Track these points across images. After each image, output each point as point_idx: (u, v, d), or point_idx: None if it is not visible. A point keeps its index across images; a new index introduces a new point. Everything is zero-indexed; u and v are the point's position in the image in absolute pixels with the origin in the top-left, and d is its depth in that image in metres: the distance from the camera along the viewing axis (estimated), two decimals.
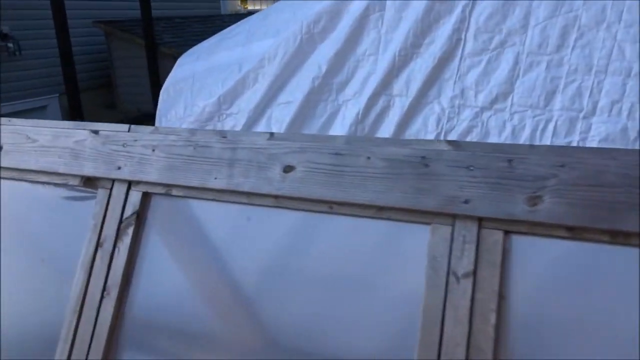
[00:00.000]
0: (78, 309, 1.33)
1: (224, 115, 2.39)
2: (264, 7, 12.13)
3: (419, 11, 1.99)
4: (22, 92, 7.62)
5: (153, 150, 1.36)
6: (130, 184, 1.38)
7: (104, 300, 1.32)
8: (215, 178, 1.27)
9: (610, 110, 1.78)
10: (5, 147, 1.55)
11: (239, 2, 12.54)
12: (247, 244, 1.26)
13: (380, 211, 1.12)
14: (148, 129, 1.40)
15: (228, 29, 2.82)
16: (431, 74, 1.97)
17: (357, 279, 1.13)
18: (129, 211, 1.37)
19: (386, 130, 2.01)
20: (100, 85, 8.44)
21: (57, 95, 8.14)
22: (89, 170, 1.43)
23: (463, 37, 1.95)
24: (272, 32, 2.40)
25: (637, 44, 1.74)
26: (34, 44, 7.52)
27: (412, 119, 1.98)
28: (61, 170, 1.46)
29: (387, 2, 2.08)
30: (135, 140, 1.39)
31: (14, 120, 1.58)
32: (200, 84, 2.53)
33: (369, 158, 1.14)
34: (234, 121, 2.35)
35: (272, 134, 1.26)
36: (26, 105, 7.76)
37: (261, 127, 2.30)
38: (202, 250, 1.31)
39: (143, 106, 8.03)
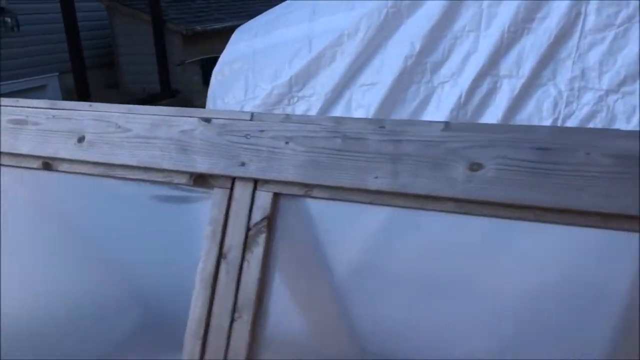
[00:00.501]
0: (202, 334, 1.12)
1: (295, 98, 2.15)
2: None
3: None
4: (20, 71, 7.23)
5: (286, 142, 1.13)
6: (256, 183, 1.16)
7: (235, 324, 1.10)
8: (376, 177, 1.05)
9: None
10: (88, 138, 1.31)
11: None
12: (414, 255, 1.05)
13: (605, 219, 0.92)
14: (276, 117, 1.17)
15: (285, 3, 2.56)
16: (546, 52, 1.74)
17: (583, 306, 0.92)
18: (257, 216, 1.14)
19: (492, 115, 1.80)
20: (102, 64, 8.06)
21: (57, 74, 7.77)
22: (201, 166, 1.19)
23: (583, 10, 1.73)
24: (345, 5, 2.14)
25: None
26: (33, 18, 7.11)
27: (523, 103, 1.77)
28: (165, 166, 1.23)
29: None
30: (262, 131, 1.16)
31: (97, 105, 1.34)
32: (262, 63, 2.28)
33: (588, 154, 0.93)
34: (306, 105, 2.11)
35: (447, 123, 1.04)
36: (24, 85, 7.38)
37: (339, 111, 2.06)
38: (352, 262, 1.10)
39: (149, 86, 7.69)
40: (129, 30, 7.61)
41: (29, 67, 7.35)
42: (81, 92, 6.01)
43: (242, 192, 1.16)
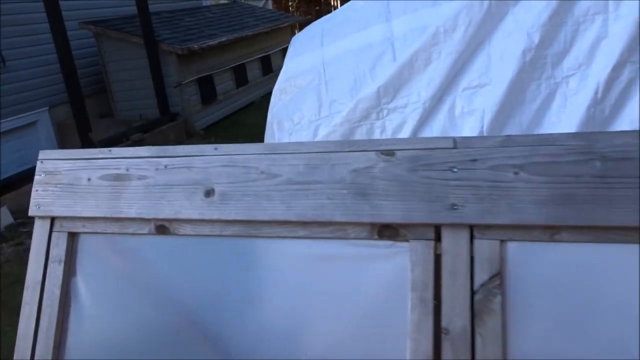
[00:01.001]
0: None
1: (385, 111, 1.87)
2: None
3: None
4: (9, 109, 6.83)
5: (515, 172, 0.85)
6: (472, 229, 0.87)
7: None
8: None
9: None
10: (219, 189, 1.02)
11: None
12: None
13: None
14: (490, 139, 0.89)
15: (347, 5, 2.29)
16: None
17: None
18: (482, 273, 0.86)
19: (634, 110, 1.54)
20: (92, 92, 7.68)
21: (47, 108, 7.38)
22: (390, 214, 0.91)
23: None
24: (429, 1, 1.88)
25: None
26: (19, 53, 6.72)
27: None
28: (336, 218, 0.94)
29: None
30: (475, 160, 0.88)
31: (225, 147, 1.05)
32: (336, 74, 2.00)
33: None
34: (401, 117, 1.84)
35: None
36: (15, 123, 6.97)
37: (442, 120, 1.79)
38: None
39: (145, 111, 7.35)
40: (120, 55, 7.25)
41: (18, 104, 6.95)
42: (81, 124, 5.64)
43: (454, 243, 0.88)
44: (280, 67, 2.20)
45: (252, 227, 1.01)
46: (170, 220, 1.06)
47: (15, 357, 1.11)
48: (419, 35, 1.83)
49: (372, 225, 0.93)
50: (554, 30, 1.66)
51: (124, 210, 1.08)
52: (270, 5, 14.08)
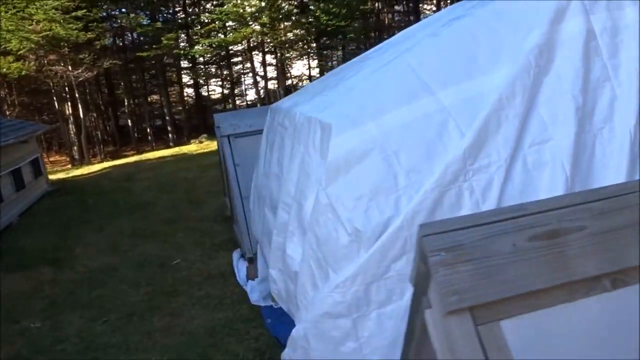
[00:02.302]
0: None
1: (471, 172, 1.93)
2: None
3: None
4: None
5: None
6: None
7: None
8: None
9: None
10: None
11: None
12: None
13: None
14: None
15: (356, 86, 2.31)
16: None
17: None
18: None
19: None
20: None
21: None
22: None
23: None
24: (476, 69, 2.10)
25: None
26: None
27: None
28: None
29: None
30: None
31: None
32: (401, 146, 1.99)
33: None
34: (487, 176, 1.92)
35: None
36: None
37: (520, 175, 1.96)
38: None
39: None
40: None
41: None
42: None
43: None
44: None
45: None
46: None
47: None
48: (480, 103, 2.01)
49: None
50: (586, 94, 2.06)
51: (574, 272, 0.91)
52: None
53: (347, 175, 2.02)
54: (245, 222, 4.40)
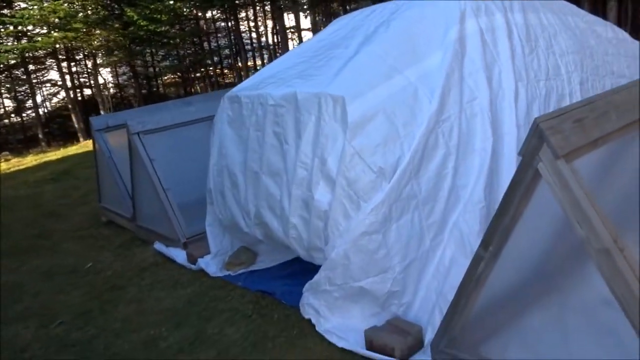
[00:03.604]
0: None
1: (441, 122, 2.86)
2: None
3: None
4: None
5: None
6: None
7: None
8: None
9: None
10: None
11: None
12: None
13: None
14: None
15: (341, 70, 3.05)
16: None
17: None
18: None
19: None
20: None
21: None
22: None
23: None
24: (421, 55, 3.06)
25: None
26: None
27: None
28: None
29: None
30: None
31: None
32: (394, 109, 2.85)
33: None
34: (449, 124, 2.88)
35: None
36: None
37: (465, 122, 2.99)
38: None
39: None
40: None
41: None
42: None
43: None
44: None
45: None
46: None
47: None
48: (433, 77, 2.98)
49: None
50: (488, 70, 3.20)
51: None
52: None
53: (364, 131, 2.79)
54: (172, 210, 4.68)
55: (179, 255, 4.54)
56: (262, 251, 4.13)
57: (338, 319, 2.95)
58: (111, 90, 17.24)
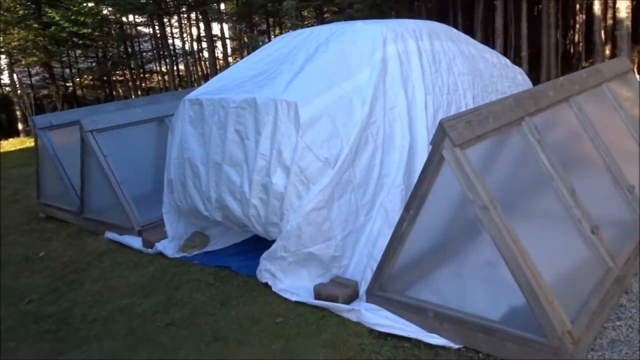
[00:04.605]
0: None
1: (370, 125, 3.68)
2: None
3: None
4: None
5: None
6: None
7: None
8: None
9: None
10: None
11: None
12: None
13: None
14: None
15: (291, 81, 3.76)
16: None
17: None
18: None
19: None
20: None
21: None
22: None
23: None
24: (353, 71, 3.87)
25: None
26: None
27: None
28: None
29: None
30: None
31: None
32: (335, 112, 3.63)
33: None
34: (376, 126, 3.71)
35: None
36: None
37: (387, 125, 3.85)
38: None
39: None
40: None
41: None
42: None
43: None
44: None
45: None
46: None
47: None
48: (363, 89, 3.81)
49: None
50: (404, 84, 4.09)
51: None
52: None
53: (312, 129, 3.54)
54: (126, 201, 5.13)
55: (134, 241, 5.00)
56: (214, 234, 4.74)
57: (290, 280, 3.67)
58: (27, 91, 16.55)
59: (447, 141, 2.65)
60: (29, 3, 16.03)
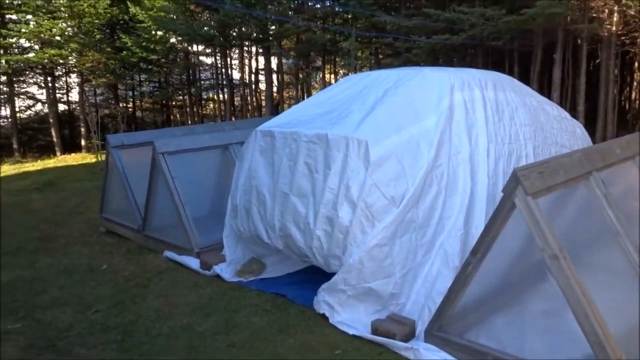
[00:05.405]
0: None
1: (435, 168, 3.82)
2: None
3: None
4: None
5: None
6: None
7: None
8: None
9: None
10: None
11: None
12: None
13: None
14: None
15: (362, 122, 3.96)
16: None
17: None
18: None
19: None
20: None
21: None
22: None
23: None
24: (420, 116, 4.04)
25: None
26: None
27: None
28: None
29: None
30: None
31: None
32: (404, 154, 3.78)
33: None
34: (441, 169, 3.84)
35: None
36: None
37: (451, 169, 3.96)
38: None
39: None
40: None
41: None
42: None
43: None
44: None
45: None
46: None
47: None
48: (430, 133, 3.95)
49: None
50: (469, 130, 4.21)
51: None
52: None
53: (381, 168, 3.69)
54: (188, 222, 5.37)
55: (192, 262, 5.21)
56: (270, 263, 4.90)
57: (348, 314, 3.77)
58: (91, 109, 17.61)
59: (520, 189, 2.74)
60: (104, 28, 17.20)
